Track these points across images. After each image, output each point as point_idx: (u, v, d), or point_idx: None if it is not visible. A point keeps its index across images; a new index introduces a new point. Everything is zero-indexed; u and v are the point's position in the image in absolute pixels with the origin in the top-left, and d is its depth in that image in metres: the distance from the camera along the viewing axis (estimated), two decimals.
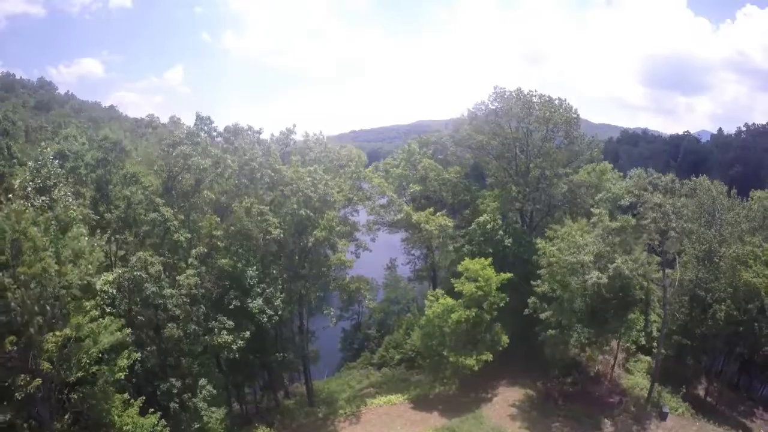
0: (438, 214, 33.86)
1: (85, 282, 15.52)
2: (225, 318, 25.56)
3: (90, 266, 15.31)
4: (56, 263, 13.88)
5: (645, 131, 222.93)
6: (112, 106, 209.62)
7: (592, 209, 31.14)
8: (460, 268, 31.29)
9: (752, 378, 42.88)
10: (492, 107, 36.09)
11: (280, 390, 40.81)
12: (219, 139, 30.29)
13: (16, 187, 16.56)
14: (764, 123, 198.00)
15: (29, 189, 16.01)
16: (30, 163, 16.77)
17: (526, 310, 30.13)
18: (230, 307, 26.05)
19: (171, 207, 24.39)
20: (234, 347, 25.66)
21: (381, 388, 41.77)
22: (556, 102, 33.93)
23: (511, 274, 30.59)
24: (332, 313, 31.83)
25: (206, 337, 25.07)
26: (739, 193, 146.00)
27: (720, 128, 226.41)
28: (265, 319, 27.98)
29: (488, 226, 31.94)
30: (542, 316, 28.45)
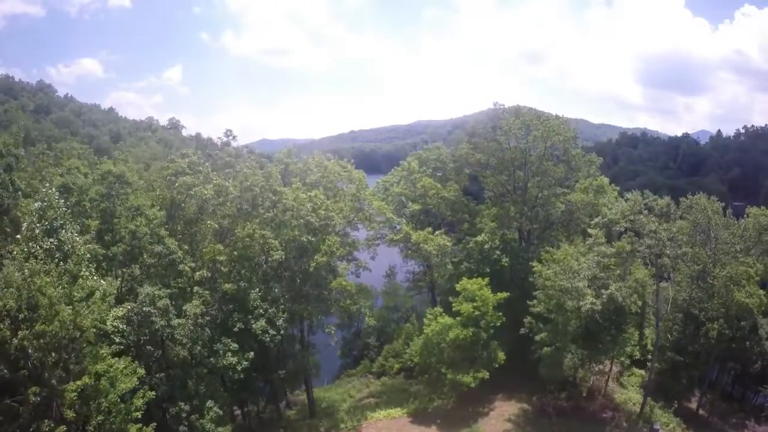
0: (437, 232, 34.42)
1: (99, 327, 16.07)
2: (230, 340, 26.15)
3: (103, 312, 15.85)
4: (71, 313, 14.43)
5: (644, 133, 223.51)
6: (111, 108, 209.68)
7: (588, 229, 31.71)
8: (458, 287, 31.90)
9: (746, 388, 43.45)
10: (491, 124, 36.59)
11: (282, 400, 41.44)
12: (220, 161, 30.77)
13: (23, 229, 17.08)
14: (763, 125, 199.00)
15: (37, 231, 16.53)
16: (36, 204, 17.23)
17: (522, 329, 30.74)
18: (234, 329, 26.63)
19: (175, 235, 24.93)
20: (239, 368, 26.24)
21: (380, 398, 42.39)
22: (554, 121, 34.43)
23: (508, 294, 31.20)
24: (333, 331, 32.42)
25: (211, 359, 25.65)
26: (738, 196, 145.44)
27: (719, 130, 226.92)
28: (268, 339, 28.56)
29: (486, 246, 32.53)
30: (537, 338, 29.05)
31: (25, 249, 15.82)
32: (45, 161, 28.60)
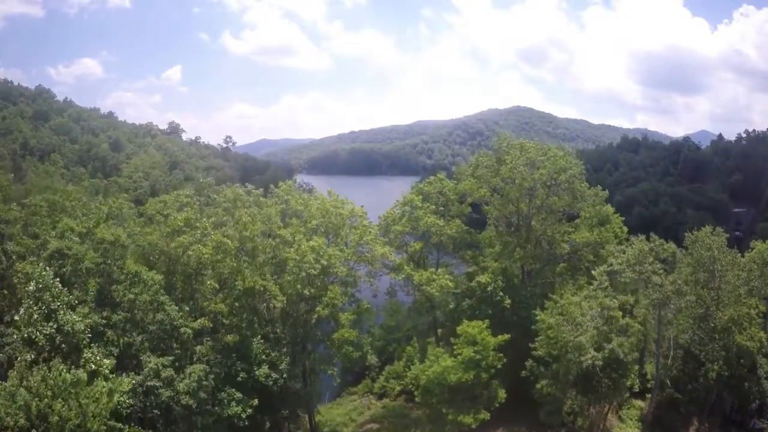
0: (439, 270, 34.16)
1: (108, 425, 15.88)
2: (234, 390, 26.02)
3: (110, 408, 15.64)
4: (79, 414, 14.26)
5: (645, 137, 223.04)
6: (110, 113, 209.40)
7: (593, 272, 31.45)
8: (458, 330, 31.74)
9: (745, 414, 43.36)
10: (495, 156, 36.27)
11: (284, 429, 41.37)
12: (219, 200, 30.38)
13: (22, 313, 16.84)
14: (764, 129, 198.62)
15: (35, 316, 16.30)
16: (31, 287, 16.98)
17: (524, 372, 30.57)
18: (237, 378, 26.48)
19: (174, 290, 24.63)
20: (244, 416, 26.15)
21: (382, 423, 42.44)
22: (560, 158, 34.03)
23: (509, 336, 31.05)
24: (336, 372, 32.26)
25: (216, 408, 25.54)
26: (740, 203, 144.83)
27: (720, 134, 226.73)
28: (271, 383, 28.41)
29: (488, 288, 32.28)
30: (538, 385, 28.95)
31: (26, 335, 15.67)
32: (39, 211, 28.12)
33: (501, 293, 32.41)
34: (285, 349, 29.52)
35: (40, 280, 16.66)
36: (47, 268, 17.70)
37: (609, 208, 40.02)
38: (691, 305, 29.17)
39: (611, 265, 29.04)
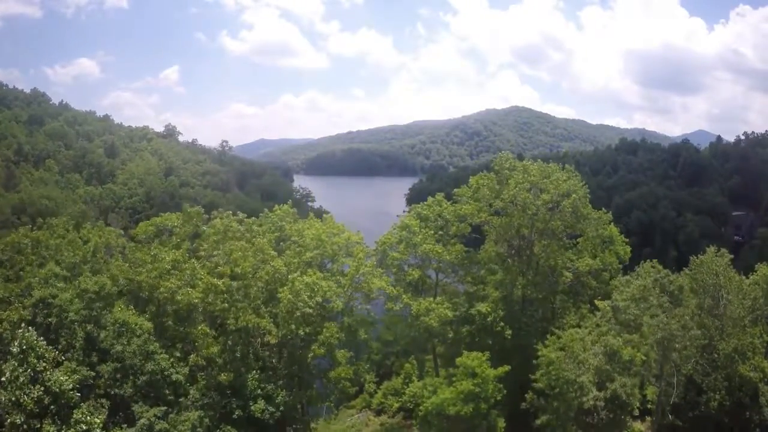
0: (438, 298, 33.42)
1: None
2: (229, 427, 25.32)
3: None
4: None
5: (644, 139, 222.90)
6: (106, 115, 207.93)
7: (596, 301, 30.83)
8: (458, 361, 31.06)
9: None
10: (497, 178, 35.49)
11: None
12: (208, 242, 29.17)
13: (8, 375, 16.06)
14: (763, 132, 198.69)
15: (21, 379, 15.55)
16: (14, 348, 16.15)
17: (524, 404, 29.95)
18: (233, 416, 25.79)
19: (165, 333, 23.85)
20: None
21: None
22: (565, 182, 33.26)
23: (509, 367, 30.40)
24: (333, 404, 31.55)
25: None
26: (739, 206, 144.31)
27: (719, 136, 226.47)
28: (268, 416, 27.73)
29: (488, 319, 31.61)
30: (538, 421, 28.38)
31: (13, 398, 14.97)
32: (24, 249, 27.31)
33: (501, 324, 31.75)
34: (281, 381, 28.82)
35: (24, 342, 15.88)
36: (30, 328, 16.89)
37: (613, 229, 39.30)
38: (696, 338, 28.58)
39: (615, 300, 28.42)
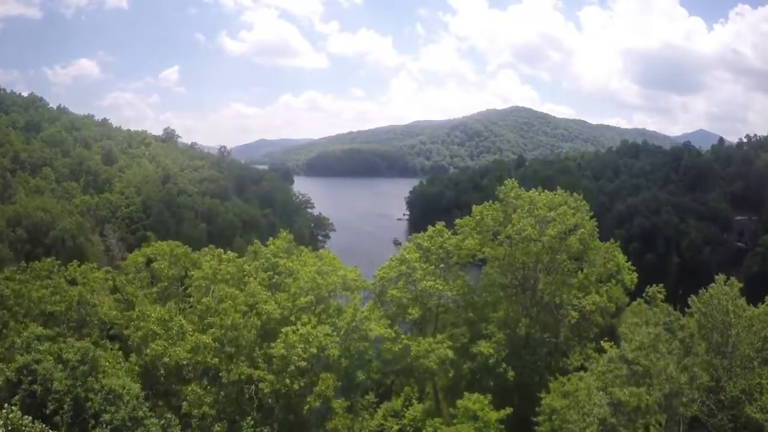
0: (438, 336, 32.14)
1: None
2: None
3: None
4: None
5: (645, 141, 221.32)
6: (105, 119, 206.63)
7: (602, 342, 29.63)
8: (459, 404, 29.88)
9: None
10: (501, 209, 34.28)
11: None
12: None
13: None
14: (765, 134, 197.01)
15: None
16: (0, 429, 15.12)
17: None
18: None
19: (155, 394, 22.64)
20: None
21: None
22: (571, 216, 31.97)
23: (512, 410, 29.24)
24: None
25: None
26: (741, 210, 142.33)
27: (720, 138, 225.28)
28: None
29: (491, 361, 30.38)
30: None
31: None
32: (6, 301, 25.98)
33: (504, 365, 30.54)
34: (276, 424, 27.61)
35: (9, 422, 14.88)
36: (13, 408, 15.86)
37: (619, 258, 37.93)
38: (703, 384, 27.35)
39: (624, 350, 27.17)
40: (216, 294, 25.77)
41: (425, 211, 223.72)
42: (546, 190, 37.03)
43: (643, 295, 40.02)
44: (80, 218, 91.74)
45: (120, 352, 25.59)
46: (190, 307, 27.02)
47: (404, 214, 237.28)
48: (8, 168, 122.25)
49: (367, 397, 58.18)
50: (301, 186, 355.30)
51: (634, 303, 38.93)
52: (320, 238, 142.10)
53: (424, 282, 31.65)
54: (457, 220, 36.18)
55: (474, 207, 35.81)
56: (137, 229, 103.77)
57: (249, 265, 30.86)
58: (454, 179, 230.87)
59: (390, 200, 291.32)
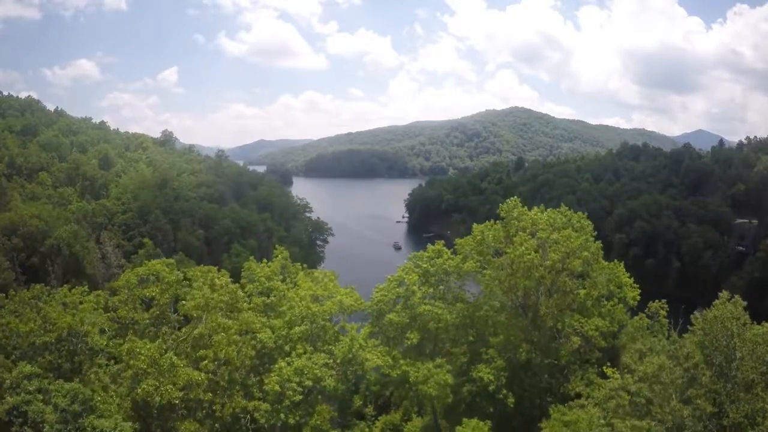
0: (438, 360, 31.37)
1: None
2: None
3: None
4: None
5: (645, 143, 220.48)
6: (102, 122, 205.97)
7: (605, 368, 28.94)
8: (458, 430, 29.14)
9: None
10: (503, 226, 33.50)
11: None
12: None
13: None
14: (765, 136, 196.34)
15: None
16: None
17: None
18: None
19: (147, 425, 21.81)
20: None
21: None
22: (576, 239, 31.19)
23: None
24: None
25: None
26: (742, 213, 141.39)
27: (721, 140, 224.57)
28: None
29: (491, 388, 29.64)
30: None
31: None
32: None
33: (504, 391, 29.79)
34: None
35: None
36: None
37: (621, 274, 37.09)
38: (706, 414, 26.65)
39: (627, 382, 26.46)
40: (209, 324, 25.00)
41: (424, 214, 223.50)
42: (548, 208, 36.21)
43: (645, 310, 39.31)
44: (76, 226, 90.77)
45: (113, 387, 24.79)
46: (184, 339, 26.25)
47: (404, 217, 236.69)
48: (4, 173, 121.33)
49: (366, 409, 57.62)
50: (300, 187, 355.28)
51: (636, 318, 38.27)
52: (319, 242, 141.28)
53: (423, 307, 30.88)
54: (457, 240, 35.32)
55: (474, 226, 34.95)
56: (134, 235, 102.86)
57: (243, 291, 30.10)
58: (453, 182, 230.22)
59: (389, 202, 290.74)
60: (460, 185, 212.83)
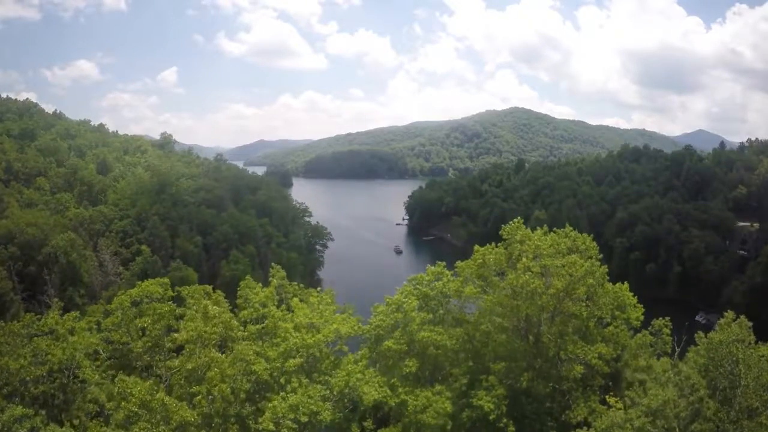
0: (437, 388, 30.64)
1: None
2: None
3: None
4: None
5: (646, 145, 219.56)
6: (101, 125, 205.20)
7: (607, 398, 28.27)
8: None
9: None
10: (506, 255, 32.77)
11: None
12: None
13: None
14: (766, 138, 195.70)
15: None
16: None
17: None
18: None
19: None
20: None
21: None
22: (580, 265, 30.39)
23: None
24: None
25: None
26: (744, 216, 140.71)
27: (722, 142, 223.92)
28: None
29: (491, 417, 28.93)
30: None
31: None
32: None
33: (505, 420, 29.06)
34: None
35: None
36: None
37: (626, 294, 36.33)
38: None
39: (629, 415, 25.76)
40: (201, 359, 24.31)
41: (425, 217, 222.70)
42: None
43: (649, 328, 38.56)
44: (72, 234, 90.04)
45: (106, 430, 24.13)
46: (177, 371, 25.59)
47: (404, 219, 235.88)
48: (1, 179, 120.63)
49: (365, 423, 56.77)
50: (300, 188, 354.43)
51: (639, 335, 37.60)
52: (318, 247, 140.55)
53: (422, 333, 30.16)
54: (458, 263, 34.52)
55: (475, 248, 34.11)
56: (132, 242, 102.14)
57: (238, 313, 29.40)
58: (453, 184, 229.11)
59: (389, 203, 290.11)
60: (460, 188, 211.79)
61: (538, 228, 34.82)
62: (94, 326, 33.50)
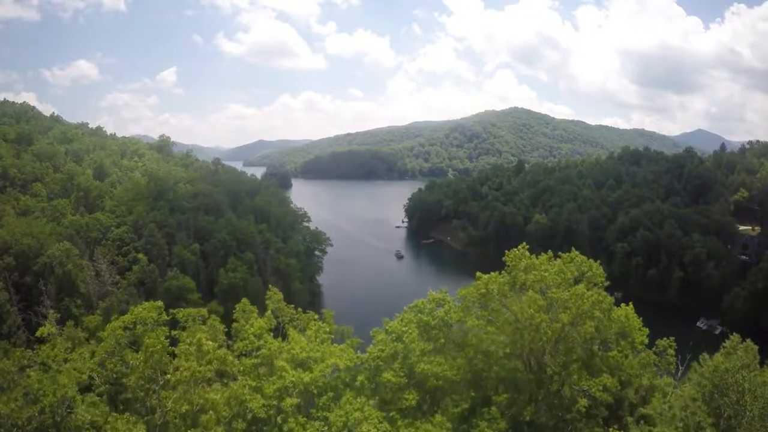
0: (437, 418, 29.86)
1: None
2: None
3: None
4: None
5: (647, 147, 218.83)
6: (98, 128, 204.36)
7: None
8: None
9: None
10: (508, 282, 31.96)
11: None
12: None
13: None
14: (766, 140, 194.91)
15: None
16: None
17: None
18: None
19: None
20: None
21: None
22: (589, 298, 29.57)
23: None
24: None
25: None
26: (745, 219, 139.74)
27: (723, 144, 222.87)
28: None
29: None
30: None
31: None
32: None
33: None
34: None
35: None
36: None
37: (632, 318, 35.50)
38: None
39: None
40: (196, 401, 23.50)
41: (424, 220, 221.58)
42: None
43: (653, 348, 37.84)
44: (68, 244, 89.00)
45: None
46: (170, 410, 24.76)
47: (403, 221, 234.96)
48: None
49: None
50: (299, 190, 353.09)
51: (642, 355, 36.89)
52: (317, 253, 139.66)
53: (422, 365, 29.36)
54: (460, 290, 33.73)
55: (478, 275, 33.30)
56: (129, 251, 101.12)
57: (233, 354, 28.53)
58: (452, 186, 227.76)
59: (388, 204, 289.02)
60: (460, 190, 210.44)
61: (543, 255, 34.01)
62: (87, 356, 32.76)
